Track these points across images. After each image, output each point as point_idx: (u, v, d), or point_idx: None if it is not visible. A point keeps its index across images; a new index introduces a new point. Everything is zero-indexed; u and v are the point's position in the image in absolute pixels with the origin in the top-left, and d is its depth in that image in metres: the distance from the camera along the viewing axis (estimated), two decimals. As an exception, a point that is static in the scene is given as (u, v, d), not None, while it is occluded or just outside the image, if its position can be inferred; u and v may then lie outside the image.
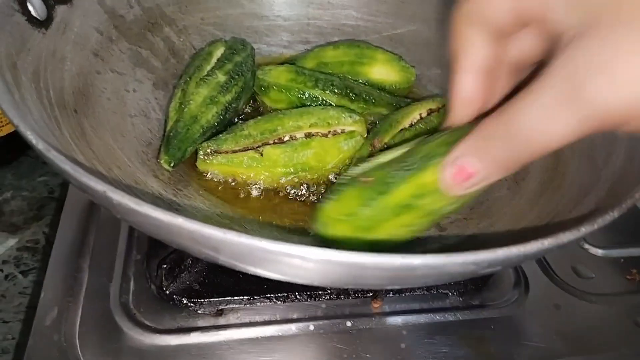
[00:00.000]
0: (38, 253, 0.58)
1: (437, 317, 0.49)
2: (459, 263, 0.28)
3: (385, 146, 0.51)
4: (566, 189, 0.46)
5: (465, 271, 0.29)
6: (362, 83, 0.60)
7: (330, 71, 0.59)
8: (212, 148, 0.49)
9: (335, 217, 0.40)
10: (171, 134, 0.49)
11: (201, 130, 0.50)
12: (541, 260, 0.55)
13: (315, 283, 0.34)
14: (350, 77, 0.59)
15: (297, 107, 0.55)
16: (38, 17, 0.46)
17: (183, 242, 0.31)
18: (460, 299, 0.51)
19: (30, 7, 0.45)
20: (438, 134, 0.39)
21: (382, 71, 0.60)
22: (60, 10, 0.49)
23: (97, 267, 0.48)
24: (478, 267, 0.29)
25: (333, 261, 0.27)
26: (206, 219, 0.43)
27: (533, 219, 0.44)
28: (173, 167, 0.49)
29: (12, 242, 0.59)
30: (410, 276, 0.29)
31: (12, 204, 0.64)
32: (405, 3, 0.67)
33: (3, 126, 0.63)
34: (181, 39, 0.62)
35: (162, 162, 0.48)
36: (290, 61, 0.62)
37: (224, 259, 0.31)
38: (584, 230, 0.31)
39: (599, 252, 0.58)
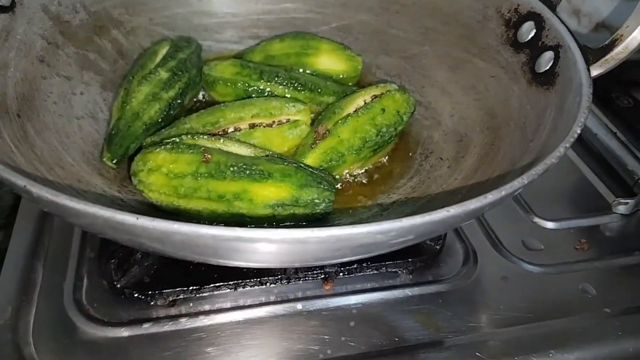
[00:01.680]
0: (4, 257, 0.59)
1: (387, 295, 0.50)
2: (364, 233, 0.29)
3: (329, 132, 0.52)
4: (498, 162, 0.47)
5: (375, 241, 0.31)
6: (309, 73, 0.61)
7: (276, 63, 0.61)
8: (155, 140, 0.50)
9: (161, 167, 0.44)
10: (113, 131, 0.50)
11: (144, 126, 0.51)
12: (491, 236, 0.56)
13: (236, 263, 0.36)
14: (296, 69, 0.60)
15: (244, 99, 0.56)
16: (-23, 27, 0.47)
17: (106, 231, 0.32)
18: (410, 277, 0.52)
19: (-33, 16, 0.46)
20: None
21: (328, 61, 0.61)
22: (1, 18, 0.50)
23: (52, 266, 0.49)
24: (386, 236, 0.30)
25: (243, 237, 0.29)
26: (144, 211, 0.44)
27: (466, 193, 0.46)
28: (116, 163, 0.50)
29: None
30: (322, 249, 0.31)
31: None
32: (352, -7, 0.68)
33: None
34: (129, 40, 0.63)
35: (104, 159, 0.49)
36: (238, 56, 0.63)
37: (148, 245, 0.32)
38: (490, 197, 0.32)
39: (548, 224, 0.59)
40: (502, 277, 0.53)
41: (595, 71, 0.47)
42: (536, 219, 0.59)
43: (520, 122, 0.50)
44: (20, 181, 0.30)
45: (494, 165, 0.47)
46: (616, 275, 0.55)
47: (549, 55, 0.51)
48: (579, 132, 0.39)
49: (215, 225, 0.28)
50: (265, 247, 0.30)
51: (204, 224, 0.28)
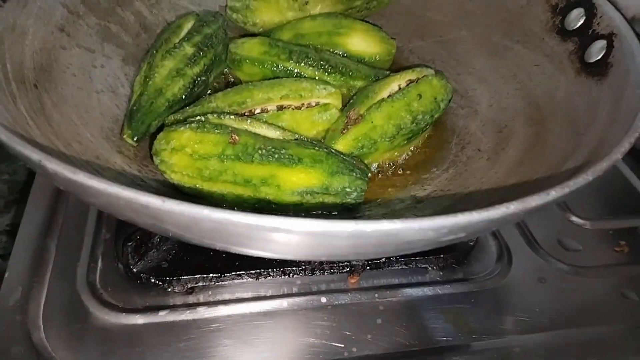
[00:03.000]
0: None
1: (416, 292, 0.47)
2: (415, 229, 0.26)
3: (361, 118, 0.49)
4: (547, 156, 0.44)
5: (425, 238, 0.28)
6: (340, 55, 0.57)
7: (307, 43, 0.57)
8: (178, 118, 0.47)
9: (185, 147, 0.42)
10: (134, 108, 0.47)
11: (166, 103, 0.48)
12: (525, 234, 0.53)
13: (268, 254, 0.33)
14: (327, 49, 0.57)
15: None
16: (-7, -10, 0.44)
17: (128, 214, 0.29)
18: (440, 273, 0.49)
19: (-15, -21, 0.44)
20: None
21: (361, 42, 0.58)
22: (21, -17, 0.47)
23: (65, 247, 0.47)
24: (437, 233, 0.27)
25: (282, 229, 0.26)
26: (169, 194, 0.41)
27: (510, 188, 0.43)
28: (137, 141, 0.47)
29: None
30: (366, 244, 0.28)
31: None
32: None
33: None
34: (153, 13, 0.60)
35: (125, 136, 0.47)
36: (266, 33, 0.60)
37: (173, 231, 0.30)
38: (553, 194, 0.29)
39: (586, 224, 0.56)
40: (538, 278, 0.50)
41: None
42: (573, 218, 0.57)
43: (568, 114, 0.46)
44: (36, 155, 0.27)
45: (541, 159, 0.44)
46: (659, 281, 0.52)
47: (600, 44, 0.48)
48: (643, 127, 0.36)
49: (247, 212, 0.25)
50: (303, 239, 0.27)
51: (232, 209, 0.26)
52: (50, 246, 0.47)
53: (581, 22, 0.51)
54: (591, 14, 0.50)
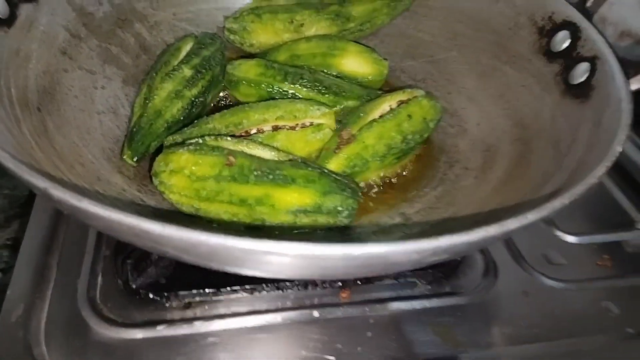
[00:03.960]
0: (18, 251, 0.58)
1: (405, 306, 0.49)
2: (400, 252, 0.28)
3: (353, 138, 0.51)
4: (530, 177, 0.46)
5: (410, 260, 0.30)
6: (334, 76, 0.59)
7: (302, 64, 0.59)
8: (177, 139, 0.49)
9: (183, 168, 0.43)
10: (134, 129, 0.49)
11: (165, 124, 0.50)
12: (511, 248, 0.55)
13: (261, 274, 0.35)
14: (321, 70, 0.59)
15: (267, 100, 0.55)
16: (0, 16, 0.46)
17: (130, 238, 0.31)
18: (429, 287, 0.51)
19: (-10, 6, 0.45)
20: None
21: (354, 63, 0.60)
22: (25, 8, 0.49)
23: (66, 263, 0.48)
24: (421, 255, 0.29)
25: (274, 252, 0.28)
26: (165, 214, 0.43)
27: (495, 207, 0.44)
28: (137, 162, 0.49)
29: None
30: (354, 266, 0.30)
31: None
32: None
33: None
34: (153, 35, 0.62)
35: (125, 157, 0.48)
36: (262, 54, 0.62)
37: (172, 253, 0.31)
38: (530, 217, 0.31)
39: (570, 238, 0.57)
40: (522, 292, 0.52)
41: (634, 85, 0.46)
42: (558, 232, 0.58)
43: (552, 135, 0.48)
44: (42, 183, 0.29)
45: (525, 179, 0.46)
46: (638, 295, 0.53)
47: (584, 66, 0.50)
48: (620, 150, 0.38)
49: (242, 236, 0.27)
50: (295, 261, 0.29)
51: (229, 232, 0.27)
52: (52, 263, 0.49)
53: (566, 44, 0.53)
54: (576, 36, 0.52)
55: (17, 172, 0.30)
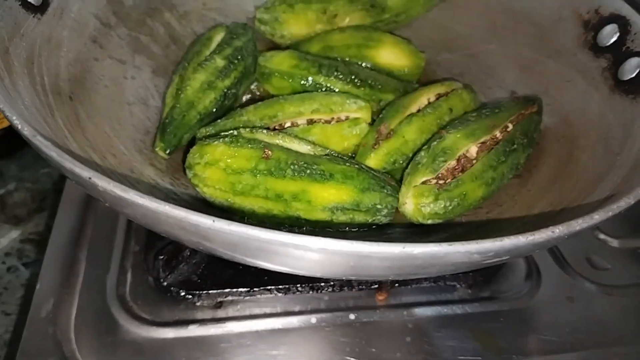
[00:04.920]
0: (41, 245, 0.57)
1: (445, 310, 0.47)
2: (462, 252, 0.26)
3: (393, 132, 0.49)
4: (580, 176, 0.44)
5: (470, 261, 0.28)
6: (369, 68, 0.57)
7: (336, 55, 0.57)
8: (210, 132, 0.47)
9: (218, 161, 0.42)
10: (167, 120, 0.48)
11: (198, 116, 0.49)
12: (554, 251, 0.53)
13: (311, 273, 0.33)
14: (356, 62, 0.57)
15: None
16: (33, 2, 0.45)
17: (174, 232, 0.29)
18: (469, 291, 0.49)
19: (24, -8, 0.44)
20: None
21: (390, 55, 0.58)
22: (55, -6, 0.47)
23: (94, 258, 0.47)
24: (482, 256, 0.27)
25: (330, 250, 0.26)
26: (201, 208, 0.41)
27: (545, 207, 0.42)
28: (169, 154, 0.47)
29: (15, 234, 0.58)
30: (411, 265, 0.28)
31: (16, 196, 0.63)
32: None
33: (5, 118, 0.62)
34: (182, 25, 0.60)
35: (157, 149, 0.47)
36: (294, 46, 0.60)
37: (219, 250, 0.30)
38: (597, 217, 0.29)
39: (615, 242, 0.55)
40: (566, 297, 0.49)
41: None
42: (602, 236, 0.56)
43: (602, 132, 0.46)
44: (86, 173, 0.27)
45: (575, 178, 0.44)
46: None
47: (635, 62, 0.47)
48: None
49: (294, 232, 0.25)
50: (350, 259, 0.27)
51: (276, 228, 0.26)
52: (80, 257, 0.47)
53: (614, 38, 0.50)
54: (625, 30, 0.49)
55: (62, 162, 0.28)
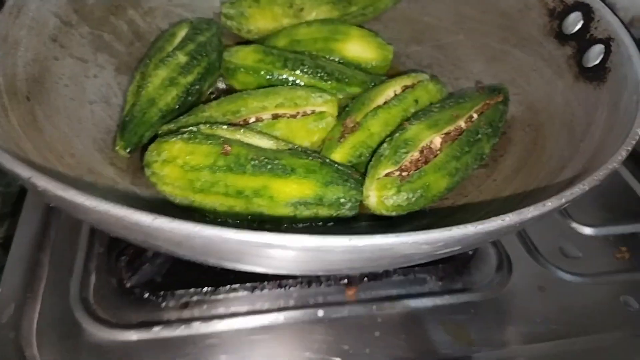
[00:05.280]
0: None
1: (415, 303, 0.47)
2: (409, 243, 0.26)
3: (358, 125, 0.48)
4: (544, 163, 0.43)
5: (420, 252, 0.27)
6: (336, 61, 0.57)
7: (303, 49, 0.57)
8: (171, 128, 0.46)
9: (176, 158, 0.41)
10: (127, 118, 0.47)
11: (159, 113, 0.48)
12: (525, 241, 0.53)
13: (264, 270, 0.32)
14: (323, 56, 0.57)
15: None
16: (-14, 1, 0.44)
17: (120, 231, 0.29)
18: (440, 283, 0.48)
19: (-24, -9, 0.43)
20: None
21: (357, 48, 0.57)
22: (12, -8, 0.46)
23: (58, 261, 0.46)
24: (432, 247, 0.27)
25: (275, 244, 0.25)
26: (159, 208, 0.41)
27: (508, 196, 0.42)
28: (130, 152, 0.46)
29: None
30: (360, 259, 0.27)
31: None
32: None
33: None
34: (146, 22, 0.59)
35: (117, 148, 0.46)
36: (261, 40, 0.59)
37: (164, 248, 0.29)
38: (550, 205, 0.29)
39: (586, 230, 0.55)
40: (538, 287, 0.49)
41: (653, 67, 0.43)
42: (573, 224, 0.56)
43: (566, 120, 0.46)
44: (26, 172, 0.27)
45: (539, 166, 0.43)
46: (658, 289, 0.51)
47: (598, 48, 0.48)
48: (640, 133, 0.35)
49: (239, 228, 0.25)
50: (296, 254, 0.27)
51: (225, 224, 0.25)
52: (43, 261, 0.47)
53: (579, 26, 0.51)
54: (588, 18, 0.50)
55: (1, 162, 0.27)
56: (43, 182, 0.26)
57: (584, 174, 0.34)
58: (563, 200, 0.29)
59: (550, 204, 0.29)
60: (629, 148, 0.34)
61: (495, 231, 0.27)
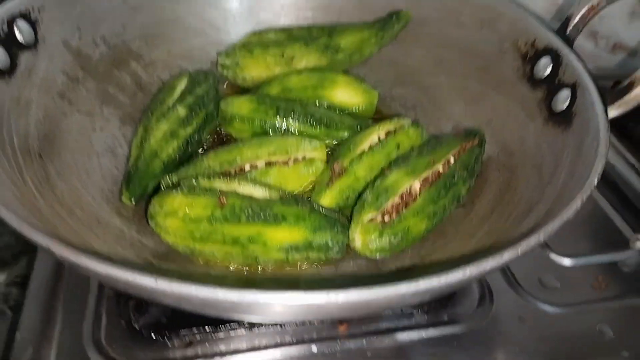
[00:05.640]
0: (26, 287, 0.59)
1: (403, 337, 0.49)
2: (382, 297, 0.29)
3: (345, 170, 0.52)
4: (515, 205, 0.47)
5: (391, 303, 0.31)
6: (325, 107, 0.61)
7: (294, 96, 0.61)
8: (173, 179, 0.50)
9: (177, 211, 0.45)
10: (132, 171, 0.51)
11: (162, 165, 0.52)
12: (506, 272, 0.56)
13: (257, 320, 0.36)
14: (313, 102, 0.61)
15: (260, 135, 0.57)
16: (1, 67, 0.48)
17: (129, 290, 0.32)
18: (426, 316, 0.51)
19: (-8, 59, 0.47)
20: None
21: (344, 94, 0.62)
22: (24, 56, 0.50)
23: (71, 304, 0.50)
24: (402, 298, 0.30)
25: (261, 302, 0.29)
26: (163, 255, 0.44)
27: (482, 236, 0.45)
28: (135, 203, 0.50)
29: (0, 278, 0.60)
30: (340, 310, 0.31)
31: (1, 240, 0.65)
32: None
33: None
34: (148, 73, 0.63)
35: (123, 199, 0.50)
36: (255, 87, 0.63)
37: (169, 302, 0.33)
38: (507, 256, 0.32)
39: (565, 261, 0.58)
40: (518, 318, 0.52)
41: (613, 112, 0.47)
42: (552, 255, 0.58)
43: (537, 162, 0.49)
44: (44, 240, 0.30)
45: (510, 207, 0.47)
46: (635, 316, 0.54)
47: (566, 93, 0.51)
48: (596, 182, 0.39)
49: (232, 286, 0.28)
50: (283, 309, 0.30)
51: (220, 282, 0.29)
52: (57, 304, 0.50)
53: (549, 70, 0.54)
54: (557, 63, 0.53)
55: (21, 231, 0.31)
56: (60, 250, 0.30)
57: (544, 221, 0.37)
58: (519, 252, 0.33)
59: (507, 256, 0.32)
60: (584, 198, 0.37)
61: (458, 282, 0.31)
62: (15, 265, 0.61)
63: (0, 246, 0.63)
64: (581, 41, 0.53)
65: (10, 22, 0.49)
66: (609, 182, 0.68)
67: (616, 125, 0.65)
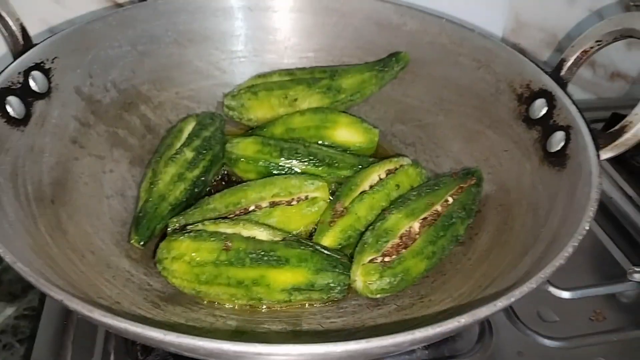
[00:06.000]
0: (35, 320, 0.60)
1: (403, 373, 0.51)
2: (379, 347, 0.31)
3: (346, 210, 0.54)
4: (511, 246, 0.48)
5: (390, 351, 0.32)
6: (327, 146, 0.63)
7: (297, 136, 0.63)
8: (180, 221, 0.52)
9: (184, 255, 0.47)
10: (140, 214, 0.53)
11: (169, 207, 0.54)
12: (505, 307, 0.57)
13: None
14: (315, 142, 0.63)
15: (265, 175, 0.59)
16: (16, 117, 0.50)
17: (138, 340, 0.34)
18: (426, 352, 0.52)
19: (8, 109, 0.49)
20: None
21: (346, 134, 0.64)
22: (38, 104, 0.53)
23: (80, 343, 0.51)
24: (399, 347, 0.32)
25: (264, 354, 0.31)
26: (169, 298, 0.46)
27: (479, 277, 0.47)
28: (143, 245, 0.52)
29: (9, 311, 0.61)
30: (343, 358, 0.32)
31: (11, 273, 0.66)
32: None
33: None
34: (157, 115, 0.66)
35: (132, 241, 0.52)
36: (260, 127, 0.66)
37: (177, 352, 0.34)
38: (500, 304, 0.34)
39: (564, 294, 0.59)
40: (517, 352, 0.53)
41: (605, 155, 0.48)
42: (551, 289, 0.59)
43: (532, 202, 0.51)
44: (59, 296, 0.32)
45: (507, 248, 0.48)
46: (632, 349, 0.55)
47: (560, 135, 0.52)
48: (587, 228, 0.40)
49: (234, 341, 0.30)
50: (285, 357, 0.32)
51: (223, 335, 0.30)
52: (67, 341, 0.51)
53: (543, 112, 0.55)
54: (552, 105, 0.54)
55: (38, 286, 0.33)
56: (74, 304, 0.32)
57: (537, 267, 0.39)
58: (512, 300, 0.34)
59: (500, 304, 0.34)
60: (575, 244, 0.39)
61: (453, 330, 0.32)
62: (24, 298, 0.62)
63: (11, 279, 0.65)
64: (580, 70, 0.54)
65: (26, 73, 0.51)
66: (607, 214, 0.69)
67: (614, 157, 0.67)
